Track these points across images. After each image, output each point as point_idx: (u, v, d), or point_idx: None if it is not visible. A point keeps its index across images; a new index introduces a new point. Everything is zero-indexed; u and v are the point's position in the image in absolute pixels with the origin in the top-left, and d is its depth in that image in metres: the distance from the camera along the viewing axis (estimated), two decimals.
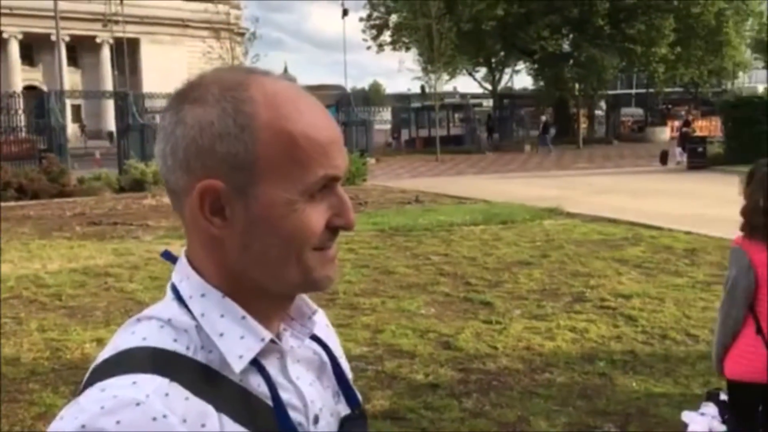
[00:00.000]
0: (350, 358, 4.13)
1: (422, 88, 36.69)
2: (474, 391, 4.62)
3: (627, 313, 6.25)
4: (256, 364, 0.80)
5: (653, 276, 7.64)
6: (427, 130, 37.43)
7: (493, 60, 39.21)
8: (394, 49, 39.40)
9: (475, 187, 17.59)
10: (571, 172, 22.62)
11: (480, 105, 45.82)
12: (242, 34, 28.27)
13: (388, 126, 43.56)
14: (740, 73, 45.70)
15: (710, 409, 3.93)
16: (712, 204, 13.08)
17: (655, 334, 5.65)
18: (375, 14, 39.41)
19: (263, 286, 0.82)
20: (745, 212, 2.98)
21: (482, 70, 41.11)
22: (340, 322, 6.16)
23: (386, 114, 47.89)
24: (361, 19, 39.92)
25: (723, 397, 4.08)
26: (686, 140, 23.83)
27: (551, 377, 4.82)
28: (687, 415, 4.06)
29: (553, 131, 33.06)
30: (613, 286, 7.21)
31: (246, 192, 0.78)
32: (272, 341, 0.82)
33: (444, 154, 28.91)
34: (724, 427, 3.80)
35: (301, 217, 0.78)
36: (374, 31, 39.52)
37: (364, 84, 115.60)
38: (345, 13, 47.45)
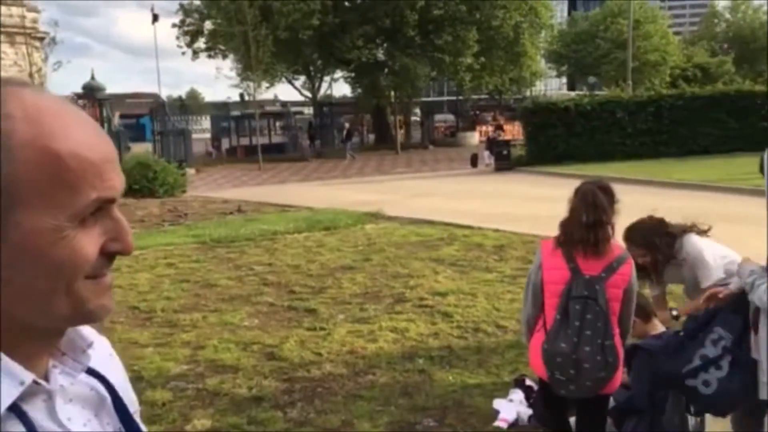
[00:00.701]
0: (169, 378, 3.96)
1: (241, 96, 36.14)
2: (299, 400, 4.61)
3: (443, 310, 6.56)
4: (16, 410, 0.72)
5: (466, 273, 8.08)
6: (248, 139, 36.96)
7: (311, 68, 39.54)
8: (210, 56, 38.45)
9: (298, 194, 17.62)
10: (390, 176, 23.36)
11: (301, 113, 45.95)
12: (42, 39, 26.22)
13: (208, 135, 42.44)
14: (537, 82, 49.74)
15: (517, 394, 4.24)
16: (517, 203, 14.13)
17: (468, 328, 5.99)
18: (188, 20, 38.19)
19: (29, 323, 0.74)
20: (565, 224, 3.18)
21: (302, 78, 41.32)
22: (159, 342, 5.90)
23: (205, 123, 46.59)
24: (174, 25, 38.50)
25: (529, 382, 4.42)
26: (493, 144, 25.54)
27: (374, 378, 4.94)
28: (497, 403, 4.35)
29: (355, 139, 34.06)
30: (430, 285, 7.53)
31: (5, 219, 0.70)
32: (36, 382, 0.74)
33: (266, 163, 28.68)
34: (530, 411, 4.11)
35: (70, 244, 0.72)
36: (188, 38, 38.28)
37: (180, 92, 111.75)
38: (155, 18, 45.57)
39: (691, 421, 3.63)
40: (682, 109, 23.34)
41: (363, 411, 4.38)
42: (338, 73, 40.94)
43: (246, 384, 4.88)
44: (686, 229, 3.99)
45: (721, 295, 3.29)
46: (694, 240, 3.91)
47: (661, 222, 3.99)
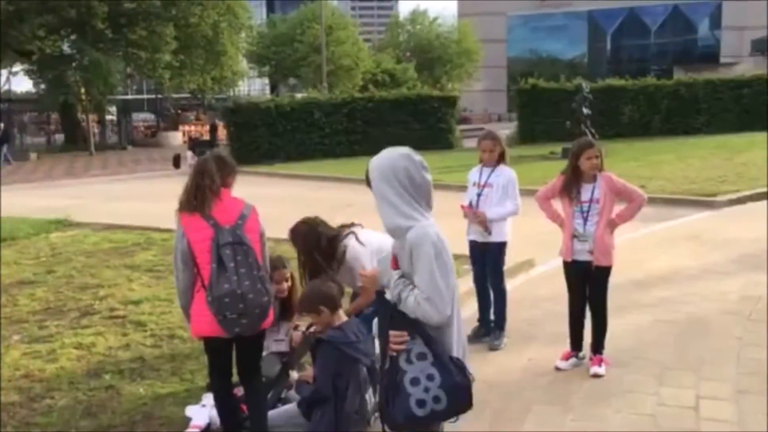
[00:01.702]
0: None
1: None
2: None
3: (136, 319, 6.20)
4: None
5: (163, 278, 7.74)
6: None
7: None
8: None
9: None
10: (83, 180, 21.58)
11: None
12: None
13: None
14: (240, 82, 49.75)
15: (209, 399, 4.15)
16: None
17: (163, 336, 5.73)
18: None
19: None
20: (188, 191, 3.68)
21: None
22: None
23: None
24: None
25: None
26: (195, 144, 24.94)
27: (52, 402, 4.47)
28: (190, 410, 4.21)
29: (39, 139, 31.02)
30: (123, 294, 7.08)
31: None
32: None
33: None
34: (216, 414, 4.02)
35: None
36: None
37: None
38: None
39: (371, 401, 3.89)
40: (372, 111, 25.11)
41: None
42: (17, 66, 36.59)
43: None
44: (344, 232, 4.47)
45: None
46: (352, 244, 4.35)
47: (316, 229, 4.41)
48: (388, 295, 2.56)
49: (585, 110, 20.45)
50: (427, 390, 2.38)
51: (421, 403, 2.38)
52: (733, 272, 7.27)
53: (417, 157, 2.59)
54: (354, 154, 23.34)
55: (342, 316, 3.96)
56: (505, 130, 29.90)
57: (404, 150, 2.61)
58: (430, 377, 2.39)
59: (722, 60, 74.92)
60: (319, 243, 4.36)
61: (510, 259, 7.60)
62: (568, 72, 38.15)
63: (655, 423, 4.02)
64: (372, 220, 4.15)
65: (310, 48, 45.35)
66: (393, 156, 2.59)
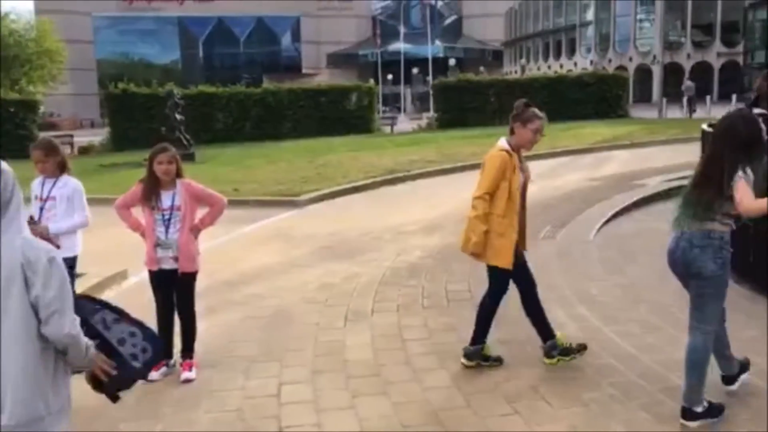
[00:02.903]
0: None
1: None
2: None
3: None
4: None
5: None
6: None
7: None
8: None
9: None
10: None
11: None
12: None
13: None
14: None
15: None
16: None
17: None
18: None
19: None
20: None
21: None
22: None
23: None
24: None
25: None
26: None
27: None
28: None
29: None
30: None
31: None
32: None
33: None
34: None
35: None
36: None
37: None
38: None
39: None
40: None
41: None
42: None
43: None
44: None
45: None
46: None
47: None
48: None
49: (178, 116, 20.49)
50: (134, 345, 2.70)
51: (134, 357, 2.68)
52: (313, 264, 8.02)
53: None
54: None
55: None
56: (97, 136, 28.34)
57: None
58: (132, 334, 2.71)
59: (304, 70, 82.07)
60: None
61: (102, 272, 7.28)
62: (163, 77, 37.77)
63: (240, 416, 4.20)
64: None
65: None
66: None
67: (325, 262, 8.05)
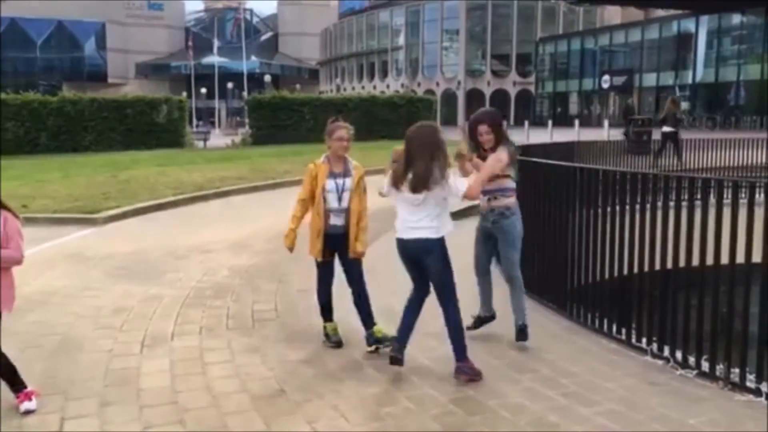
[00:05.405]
0: None
1: None
2: None
3: None
4: None
5: None
6: None
7: None
8: None
9: None
10: None
11: None
12: None
13: None
14: None
15: None
16: None
17: None
18: None
19: None
20: None
21: None
22: None
23: None
24: None
25: None
26: None
27: None
28: None
29: None
30: None
31: None
32: None
33: None
34: None
35: None
36: None
37: None
38: None
39: None
40: None
41: None
42: None
43: None
44: None
45: None
46: None
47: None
48: None
49: None
50: None
51: None
52: (108, 287, 7.49)
53: None
54: None
55: None
56: None
57: None
58: None
59: (111, 80, 77.60)
60: None
61: None
62: None
63: None
64: None
65: None
66: None
67: (123, 284, 7.55)
